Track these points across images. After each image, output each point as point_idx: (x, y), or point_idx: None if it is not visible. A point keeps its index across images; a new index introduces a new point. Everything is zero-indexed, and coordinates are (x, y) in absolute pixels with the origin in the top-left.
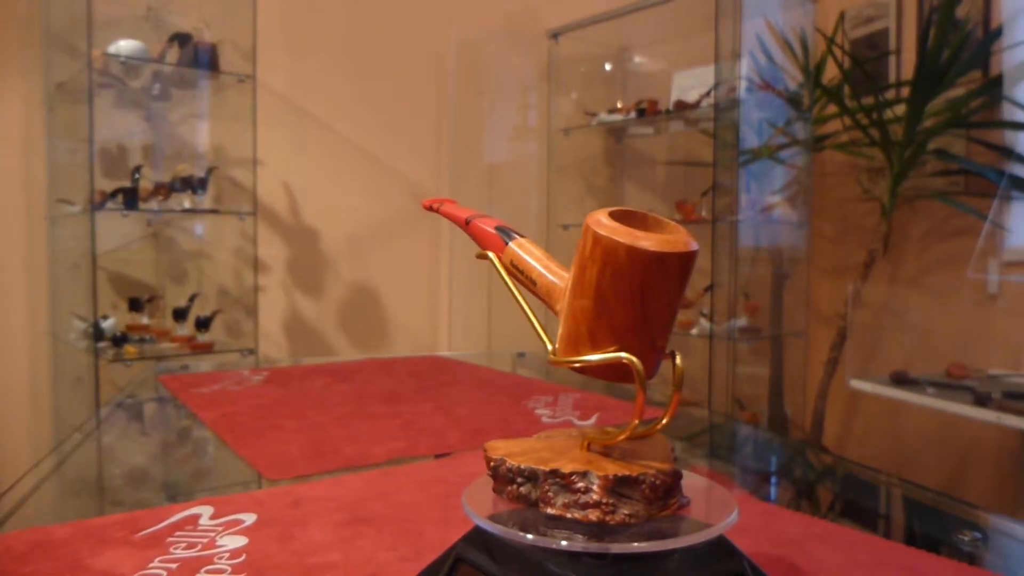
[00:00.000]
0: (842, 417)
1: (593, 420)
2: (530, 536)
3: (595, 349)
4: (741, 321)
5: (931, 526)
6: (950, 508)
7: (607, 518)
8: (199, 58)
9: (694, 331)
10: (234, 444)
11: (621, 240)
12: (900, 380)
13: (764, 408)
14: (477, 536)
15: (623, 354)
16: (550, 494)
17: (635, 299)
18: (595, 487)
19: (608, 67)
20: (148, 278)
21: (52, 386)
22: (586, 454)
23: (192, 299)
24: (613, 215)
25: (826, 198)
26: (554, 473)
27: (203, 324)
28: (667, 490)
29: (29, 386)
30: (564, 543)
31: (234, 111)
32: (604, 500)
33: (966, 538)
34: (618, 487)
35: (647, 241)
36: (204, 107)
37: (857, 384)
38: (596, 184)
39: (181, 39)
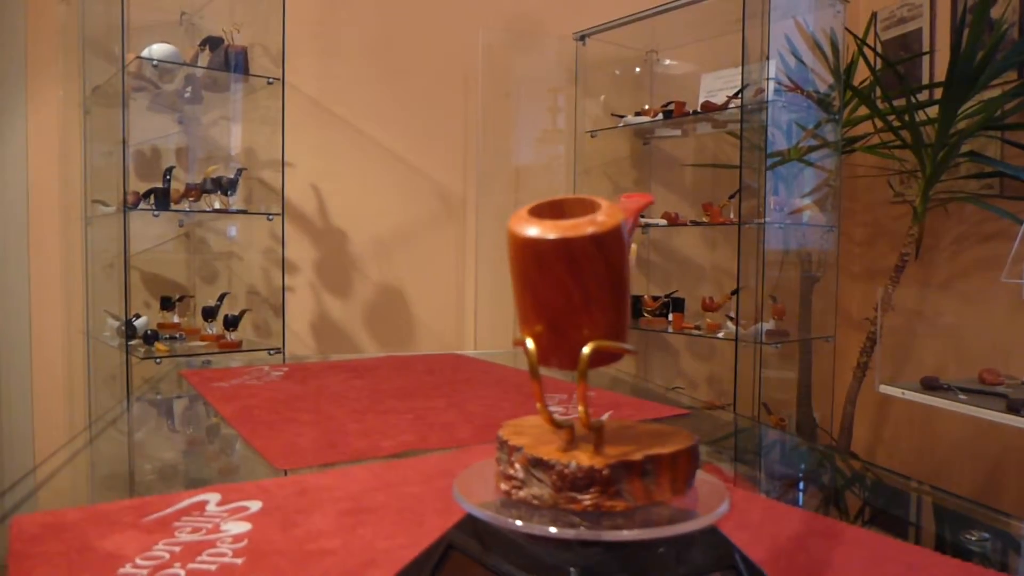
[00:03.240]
0: (872, 423)
1: (606, 418)
2: (519, 523)
3: (522, 332)
4: (768, 324)
5: (940, 527)
6: (966, 510)
7: (512, 492)
8: (230, 62)
9: (720, 334)
10: (248, 435)
11: (509, 225)
12: (931, 386)
13: (792, 412)
14: (470, 523)
15: (526, 339)
16: (499, 462)
17: (523, 283)
18: (516, 462)
19: (637, 70)
20: (179, 278)
21: (87, 383)
22: (565, 436)
23: (221, 298)
24: (550, 204)
25: (856, 201)
26: (504, 444)
27: (232, 323)
28: (578, 482)
29: (66, 383)
30: (553, 530)
31: (264, 114)
32: (516, 475)
33: (973, 538)
34: (531, 467)
35: (527, 226)
36: (235, 110)
37: (887, 389)
38: (623, 186)
39: (213, 43)
